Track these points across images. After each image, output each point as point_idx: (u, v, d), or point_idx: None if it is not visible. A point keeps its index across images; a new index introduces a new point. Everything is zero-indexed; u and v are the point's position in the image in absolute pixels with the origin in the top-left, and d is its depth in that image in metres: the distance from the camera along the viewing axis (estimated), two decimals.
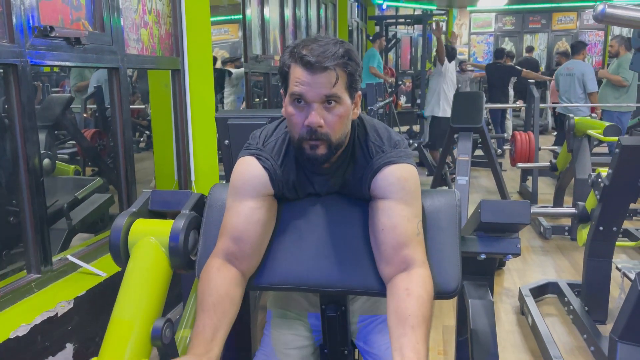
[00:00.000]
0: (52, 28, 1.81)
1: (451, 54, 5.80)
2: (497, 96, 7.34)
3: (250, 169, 1.19)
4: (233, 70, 4.67)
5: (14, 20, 1.71)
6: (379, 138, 1.20)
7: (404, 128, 8.05)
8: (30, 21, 1.77)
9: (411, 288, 1.08)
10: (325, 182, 1.22)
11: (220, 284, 1.12)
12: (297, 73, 1.07)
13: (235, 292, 1.14)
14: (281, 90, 1.15)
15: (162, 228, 1.29)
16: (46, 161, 2.81)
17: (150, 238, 1.28)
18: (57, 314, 1.77)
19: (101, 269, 2.06)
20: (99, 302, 1.94)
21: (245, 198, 1.17)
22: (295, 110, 1.09)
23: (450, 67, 5.76)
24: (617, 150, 2.14)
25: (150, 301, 1.20)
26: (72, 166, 3.27)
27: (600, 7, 1.27)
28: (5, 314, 1.68)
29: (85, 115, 4.57)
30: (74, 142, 3.84)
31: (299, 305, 1.42)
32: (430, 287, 1.10)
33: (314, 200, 1.27)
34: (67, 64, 1.98)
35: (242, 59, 4.04)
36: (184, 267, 1.28)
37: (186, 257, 1.28)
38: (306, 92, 1.06)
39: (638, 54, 1.73)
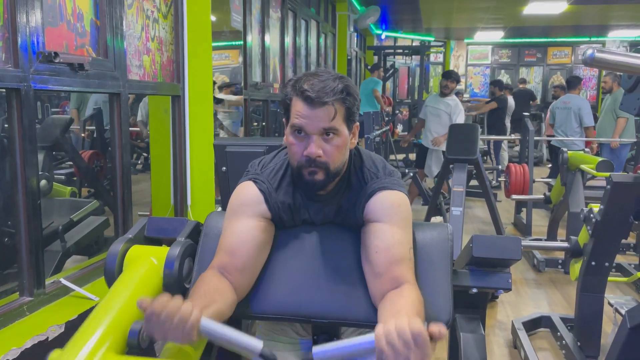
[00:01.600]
0: (56, 54, 1.84)
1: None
2: (497, 127, 7.50)
3: (246, 191, 1.25)
4: (225, 97, 4.71)
5: (19, 45, 1.75)
6: (374, 166, 1.26)
7: (400, 156, 8.10)
8: (35, 46, 1.81)
9: (403, 293, 1.10)
10: (320, 210, 1.25)
11: (211, 280, 1.15)
12: (298, 106, 1.13)
13: (226, 292, 1.14)
14: (283, 119, 1.21)
15: (158, 255, 1.30)
16: (43, 182, 2.82)
17: (149, 258, 1.28)
18: (47, 338, 1.76)
19: (94, 293, 2.05)
20: None
21: (241, 218, 1.22)
22: (295, 140, 1.16)
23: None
24: (608, 186, 2.17)
25: (134, 306, 1.14)
26: (69, 188, 3.28)
27: (589, 51, 1.32)
28: None
29: (83, 135, 4.60)
30: (70, 163, 3.86)
31: (289, 332, 1.42)
32: (421, 302, 1.11)
33: (309, 230, 1.29)
34: (70, 89, 2.02)
35: (242, 85, 4.09)
36: (178, 294, 1.28)
37: (180, 284, 1.29)
38: (306, 125, 1.13)
39: (628, 95, 1.79)
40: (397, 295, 1.10)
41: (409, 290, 1.12)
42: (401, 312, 1.01)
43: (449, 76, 5.09)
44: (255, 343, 0.92)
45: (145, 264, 1.27)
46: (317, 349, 0.91)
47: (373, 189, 1.22)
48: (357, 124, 1.21)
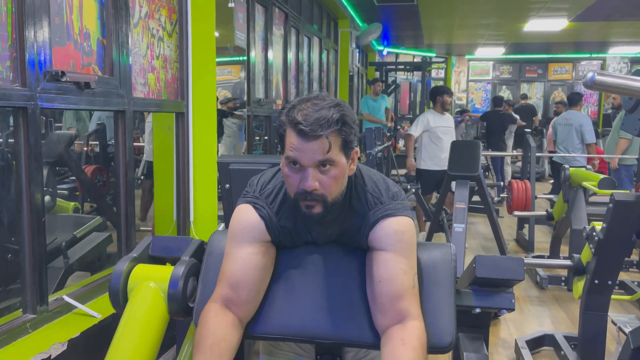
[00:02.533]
0: (63, 73, 1.87)
1: None
2: (495, 143, 7.46)
3: (246, 216, 1.23)
4: (231, 120, 4.74)
5: (27, 64, 1.77)
6: (377, 189, 1.24)
7: (402, 171, 8.12)
8: (43, 65, 1.83)
9: (406, 338, 1.10)
10: (322, 232, 1.25)
11: (217, 327, 1.14)
12: (292, 139, 1.11)
13: (232, 336, 1.15)
14: (278, 147, 1.19)
15: (162, 274, 1.31)
16: (47, 198, 2.84)
17: (149, 283, 1.30)
18: (50, 356, 1.76)
19: (96, 310, 2.06)
20: (93, 344, 1.93)
21: (243, 244, 1.21)
22: (291, 172, 1.14)
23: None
24: (610, 205, 2.18)
25: (145, 347, 1.21)
26: (72, 203, 3.29)
27: (590, 75, 1.34)
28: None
29: (86, 149, 4.63)
30: (73, 178, 3.88)
31: (291, 352, 1.42)
32: (424, 341, 1.12)
33: (312, 250, 1.29)
34: (76, 107, 2.04)
35: (245, 101, 4.13)
36: (182, 313, 1.30)
37: (184, 303, 1.30)
38: (300, 157, 1.11)
39: (629, 116, 1.80)
40: (400, 341, 1.10)
41: (412, 329, 1.12)
42: None
43: (450, 91, 4.95)
44: None
45: (149, 296, 1.28)
46: None
47: (377, 217, 1.20)
48: (356, 149, 1.19)
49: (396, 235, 1.18)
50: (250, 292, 1.19)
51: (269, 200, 1.24)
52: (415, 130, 4.82)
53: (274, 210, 1.23)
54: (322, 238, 1.27)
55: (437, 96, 4.80)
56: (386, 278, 1.16)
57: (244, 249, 1.20)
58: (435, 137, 4.77)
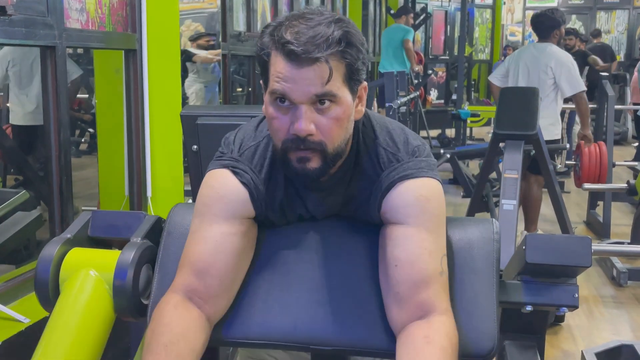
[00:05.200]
0: None
1: None
2: None
3: (223, 183, 1.22)
4: (196, 52, 4.70)
5: None
6: (393, 143, 1.23)
7: (434, 132, 8.11)
8: None
9: (432, 336, 1.10)
10: (321, 202, 1.25)
11: (176, 322, 1.14)
12: (279, 65, 1.08)
13: (195, 335, 1.15)
14: (261, 82, 1.18)
15: (105, 261, 1.32)
16: None
17: (89, 270, 1.30)
18: None
19: (23, 313, 2.08)
20: (20, 356, 1.95)
21: (216, 220, 1.20)
22: (277, 112, 1.12)
23: None
24: None
25: (81, 352, 1.20)
26: None
27: None
28: None
29: (9, 105, 4.62)
30: None
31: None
32: (456, 339, 1.13)
33: (306, 227, 1.30)
34: None
35: (220, 38, 4.09)
36: (132, 312, 1.31)
37: (135, 299, 1.31)
38: (291, 90, 1.08)
39: None
40: (424, 340, 1.10)
41: (439, 325, 1.12)
42: None
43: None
44: None
45: (89, 286, 1.28)
46: None
47: (392, 179, 1.19)
48: (365, 84, 1.17)
49: (418, 204, 1.18)
50: (223, 284, 1.19)
51: (253, 163, 1.23)
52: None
53: (262, 177, 1.22)
54: (321, 210, 1.27)
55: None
56: (405, 260, 1.16)
57: (217, 227, 1.20)
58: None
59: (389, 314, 1.18)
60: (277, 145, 1.15)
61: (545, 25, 4.34)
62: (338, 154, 1.15)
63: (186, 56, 4.69)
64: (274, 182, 1.23)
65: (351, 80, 1.12)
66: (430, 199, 1.19)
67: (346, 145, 1.17)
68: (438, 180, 1.22)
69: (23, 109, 3.99)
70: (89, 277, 1.29)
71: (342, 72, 1.10)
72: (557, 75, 4.17)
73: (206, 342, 1.18)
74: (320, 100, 1.09)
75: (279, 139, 1.14)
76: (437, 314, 1.14)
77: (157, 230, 1.39)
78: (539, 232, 4.51)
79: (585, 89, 4.26)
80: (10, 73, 4.00)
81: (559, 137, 4.44)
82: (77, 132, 6.21)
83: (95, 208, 3.24)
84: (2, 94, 4.54)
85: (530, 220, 4.45)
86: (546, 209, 4.91)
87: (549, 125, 4.24)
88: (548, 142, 4.14)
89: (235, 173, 1.22)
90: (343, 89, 1.11)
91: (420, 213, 1.18)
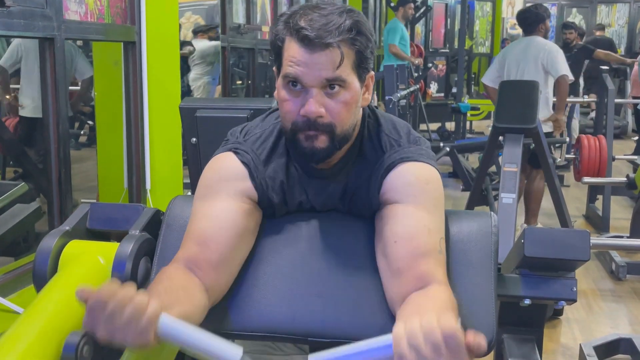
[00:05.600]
0: None
1: None
2: None
3: (225, 164, 1.26)
4: (197, 44, 4.68)
5: None
6: (395, 131, 1.27)
7: (434, 126, 8.10)
8: None
9: (431, 295, 1.11)
10: (322, 189, 1.27)
11: (174, 276, 1.15)
12: (293, 50, 1.13)
13: (196, 291, 1.15)
14: (274, 68, 1.22)
15: (104, 253, 1.32)
16: None
17: (92, 257, 1.30)
18: None
19: (22, 305, 2.07)
20: None
21: (218, 197, 1.23)
22: (289, 95, 1.16)
23: None
24: None
25: (71, 311, 1.17)
26: None
27: None
28: None
29: (7, 98, 4.62)
30: None
31: (279, 357, 1.44)
32: (455, 306, 1.12)
33: (306, 218, 1.30)
34: None
35: (219, 30, 4.09)
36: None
37: None
38: (303, 74, 1.13)
39: None
40: (422, 296, 1.11)
41: (438, 291, 1.12)
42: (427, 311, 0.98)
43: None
44: (233, 350, 0.94)
45: (87, 262, 1.28)
46: (314, 357, 0.92)
47: (393, 160, 1.23)
48: (372, 73, 1.21)
49: (418, 184, 1.21)
50: (222, 255, 1.19)
51: (256, 145, 1.27)
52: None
53: (262, 158, 1.26)
54: (321, 199, 1.28)
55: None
56: (404, 236, 1.17)
57: (219, 203, 1.22)
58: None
59: (388, 288, 1.19)
60: (287, 127, 1.19)
61: (530, 20, 4.50)
62: (345, 137, 1.19)
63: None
64: (276, 166, 1.26)
65: (360, 68, 1.17)
66: (430, 181, 1.22)
67: (353, 131, 1.22)
68: (436, 168, 1.25)
69: (32, 102, 4.02)
70: (90, 259, 1.29)
71: (351, 59, 1.15)
72: (546, 62, 4.32)
73: (205, 308, 1.17)
74: (331, 84, 1.14)
75: (289, 120, 1.18)
76: (436, 284, 1.14)
77: (155, 222, 1.40)
78: (539, 225, 4.53)
79: (569, 74, 4.40)
80: (22, 65, 4.06)
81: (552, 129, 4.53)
82: (77, 124, 6.21)
83: (95, 201, 3.24)
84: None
85: (532, 213, 4.47)
86: (545, 202, 4.91)
87: (544, 118, 4.35)
88: (547, 134, 4.23)
89: (236, 153, 1.26)
90: (352, 76, 1.16)
91: (419, 193, 1.20)
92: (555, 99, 4.54)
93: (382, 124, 1.28)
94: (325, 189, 1.27)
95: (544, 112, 4.36)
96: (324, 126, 1.15)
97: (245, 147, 1.26)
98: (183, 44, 4.67)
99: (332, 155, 1.20)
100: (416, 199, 1.20)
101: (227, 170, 1.25)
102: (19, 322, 1.14)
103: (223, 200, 1.22)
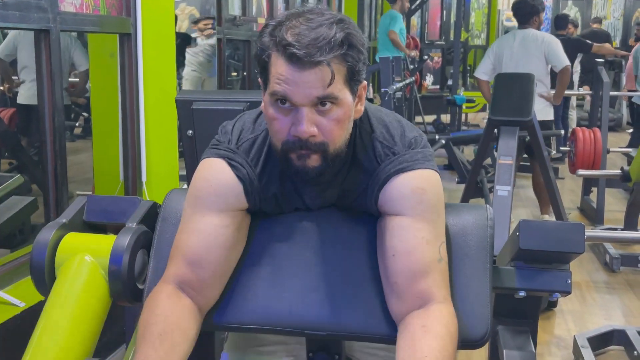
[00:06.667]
0: None
1: None
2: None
3: (218, 174, 1.22)
4: (200, 42, 4.68)
5: None
6: (389, 135, 1.23)
7: (430, 118, 8.11)
8: None
9: (429, 325, 1.12)
10: (318, 195, 1.26)
11: (169, 311, 1.15)
12: (280, 67, 1.08)
13: (188, 324, 1.17)
14: (259, 79, 1.16)
15: (101, 246, 1.32)
16: None
17: (85, 255, 1.31)
18: None
19: (19, 296, 2.09)
20: (16, 340, 1.96)
21: (209, 212, 1.21)
22: (277, 113, 1.12)
23: None
24: None
25: (78, 336, 1.22)
26: None
27: None
28: None
29: (1, 88, 4.60)
30: None
31: (276, 352, 1.44)
32: (454, 327, 1.14)
33: (302, 215, 1.30)
34: None
35: (216, 19, 4.08)
36: (128, 297, 1.32)
37: (131, 284, 1.31)
38: (292, 93, 1.08)
39: None
40: (421, 330, 1.11)
41: (437, 313, 1.13)
42: None
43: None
44: None
45: (85, 271, 1.29)
46: None
47: (388, 172, 1.20)
48: (364, 83, 1.17)
49: (415, 196, 1.19)
50: (215, 275, 1.21)
51: (250, 156, 1.23)
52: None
53: (257, 171, 1.22)
54: (317, 203, 1.28)
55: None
56: (402, 251, 1.17)
57: (209, 219, 1.20)
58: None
59: (389, 305, 1.20)
60: (277, 146, 1.15)
61: (524, 11, 4.55)
62: (338, 154, 1.16)
63: (182, 40, 4.68)
64: (270, 177, 1.24)
65: (352, 81, 1.12)
66: (427, 189, 1.20)
67: (345, 145, 1.18)
68: (435, 170, 1.23)
69: (28, 91, 4.04)
70: (84, 262, 1.30)
71: (343, 74, 1.10)
72: (547, 54, 4.41)
73: (198, 330, 1.19)
74: (322, 102, 1.09)
75: (279, 140, 1.14)
76: (436, 303, 1.15)
77: (152, 215, 1.40)
78: (546, 217, 4.56)
79: (569, 63, 4.52)
80: (18, 54, 4.07)
81: (552, 117, 4.66)
82: (72, 116, 6.19)
83: (90, 193, 3.24)
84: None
85: (544, 202, 4.52)
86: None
87: (545, 107, 4.50)
88: (543, 122, 4.32)
89: (231, 166, 1.22)
90: (344, 91, 1.11)
91: (416, 204, 1.18)
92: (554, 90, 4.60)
93: (374, 129, 1.23)
94: (321, 195, 1.26)
95: (549, 107, 4.56)
96: (316, 145, 1.11)
97: (240, 159, 1.22)
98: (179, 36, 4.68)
99: (326, 172, 1.17)
100: (413, 210, 1.18)
101: (220, 183, 1.21)
102: (31, 351, 1.18)
103: (214, 216, 1.20)
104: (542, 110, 4.40)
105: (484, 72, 4.67)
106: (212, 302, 1.23)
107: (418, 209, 1.18)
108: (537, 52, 4.40)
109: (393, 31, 7.04)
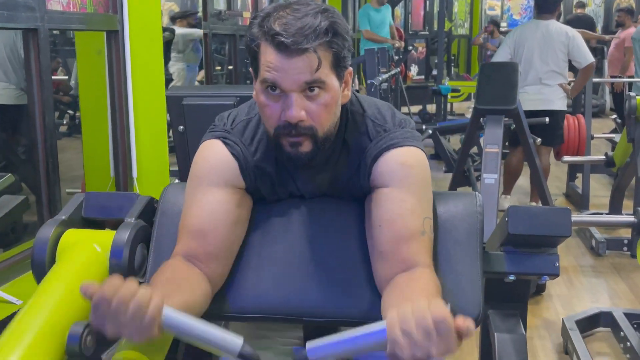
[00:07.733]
0: None
1: None
2: None
3: (216, 154, 1.27)
4: (179, 30, 4.66)
5: None
6: (380, 115, 1.30)
7: (415, 108, 8.14)
8: None
9: (415, 279, 1.15)
10: (310, 179, 1.30)
11: (177, 267, 1.19)
12: (269, 56, 1.13)
13: (198, 280, 1.19)
14: (250, 69, 1.22)
15: (101, 241, 1.34)
16: None
17: (90, 244, 1.33)
18: None
19: (15, 295, 2.10)
20: None
21: (210, 188, 1.26)
22: (268, 100, 1.17)
23: None
24: None
25: (73, 302, 1.19)
26: None
27: None
28: None
29: None
30: None
31: (274, 338, 1.48)
32: (439, 289, 1.16)
33: (297, 203, 1.33)
34: None
35: (201, 15, 4.08)
36: None
37: (131, 277, 1.33)
38: (281, 79, 1.13)
39: None
40: (407, 278, 1.16)
41: (421, 273, 1.17)
42: (414, 297, 1.03)
43: None
44: (233, 339, 0.97)
45: (85, 250, 1.31)
46: (311, 345, 0.96)
47: (380, 147, 1.25)
48: (350, 69, 1.22)
49: (402, 169, 1.24)
50: (220, 246, 1.24)
51: (244, 136, 1.29)
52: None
53: (251, 150, 1.28)
54: (310, 187, 1.31)
55: None
56: (388, 219, 1.22)
57: (211, 195, 1.25)
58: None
59: (375, 273, 1.23)
60: (270, 132, 1.21)
61: (551, 0, 4.54)
62: (328, 138, 1.21)
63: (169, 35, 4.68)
64: (264, 157, 1.28)
65: (338, 67, 1.17)
66: (414, 165, 1.25)
67: (335, 128, 1.23)
68: (422, 149, 1.28)
69: (9, 90, 3.96)
70: (88, 247, 1.32)
71: (329, 60, 1.15)
72: (571, 50, 4.40)
73: (208, 296, 1.21)
74: (310, 87, 1.14)
75: (271, 125, 1.19)
76: (421, 267, 1.19)
77: (149, 210, 1.42)
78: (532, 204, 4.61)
79: (594, 60, 4.51)
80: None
81: (565, 107, 4.65)
82: (57, 114, 6.17)
83: (79, 190, 3.25)
84: None
85: (508, 184, 4.65)
86: (526, 181, 4.98)
87: (563, 97, 4.51)
88: (559, 112, 4.42)
89: (226, 144, 1.27)
90: (331, 76, 1.16)
91: (404, 177, 1.23)
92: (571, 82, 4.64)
93: (366, 109, 1.30)
94: (313, 179, 1.30)
95: (565, 98, 4.54)
96: (305, 129, 1.16)
97: (234, 138, 1.28)
98: (163, 30, 4.66)
99: (317, 156, 1.21)
100: (401, 182, 1.23)
101: (217, 160, 1.27)
102: (21, 314, 1.16)
103: (215, 192, 1.25)
104: (560, 100, 4.47)
105: (503, 59, 4.66)
106: (220, 277, 1.25)
107: (405, 182, 1.23)
108: (562, 46, 4.40)
109: (367, 30, 7.07)
